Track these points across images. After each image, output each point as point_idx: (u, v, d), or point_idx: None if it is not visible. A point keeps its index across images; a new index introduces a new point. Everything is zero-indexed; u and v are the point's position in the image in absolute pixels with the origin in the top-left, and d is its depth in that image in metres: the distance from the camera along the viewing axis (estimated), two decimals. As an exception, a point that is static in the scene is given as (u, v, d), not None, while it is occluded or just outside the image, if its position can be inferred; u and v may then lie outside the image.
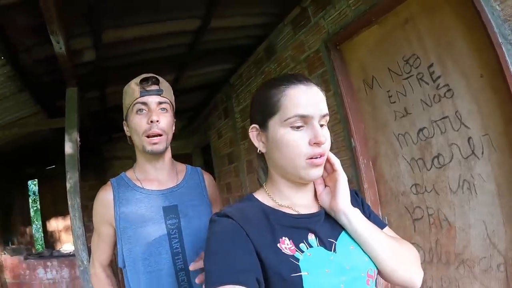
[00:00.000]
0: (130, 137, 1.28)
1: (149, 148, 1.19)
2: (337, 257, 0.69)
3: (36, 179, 6.37)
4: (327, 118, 0.76)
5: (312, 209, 0.78)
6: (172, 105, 1.29)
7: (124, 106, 1.27)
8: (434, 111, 1.62)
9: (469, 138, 1.48)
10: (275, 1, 2.48)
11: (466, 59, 1.46)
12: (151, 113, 1.18)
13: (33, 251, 4.93)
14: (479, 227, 1.47)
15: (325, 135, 0.72)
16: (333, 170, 0.78)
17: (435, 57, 1.60)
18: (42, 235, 6.44)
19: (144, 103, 1.19)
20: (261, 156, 0.83)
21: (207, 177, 1.40)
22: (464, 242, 1.55)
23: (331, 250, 0.70)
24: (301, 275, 0.63)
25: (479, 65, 1.40)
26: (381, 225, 0.80)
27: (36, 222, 9.07)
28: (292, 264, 0.64)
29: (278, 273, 0.63)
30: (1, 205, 5.01)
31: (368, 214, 0.82)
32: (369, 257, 0.72)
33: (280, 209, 0.75)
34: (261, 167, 0.86)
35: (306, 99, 0.71)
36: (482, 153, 1.43)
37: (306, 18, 2.42)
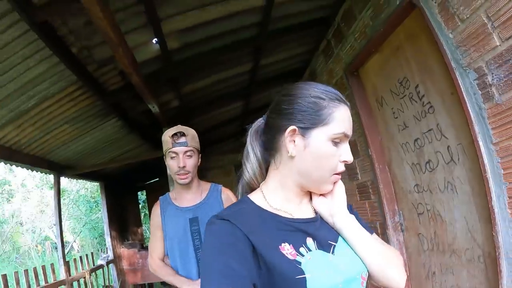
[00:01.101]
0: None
1: (179, 181, 1.50)
2: (335, 259, 0.66)
3: (144, 190, 6.83)
4: None
5: (309, 214, 0.74)
6: (197, 148, 1.53)
7: (163, 149, 1.54)
8: (423, 124, 1.72)
9: (448, 146, 1.55)
10: (310, 33, 2.74)
11: (440, 78, 1.54)
12: (179, 160, 1.45)
13: (144, 245, 5.39)
14: (462, 222, 1.53)
15: None
16: None
17: (419, 79, 1.70)
18: (150, 233, 7.30)
19: (175, 152, 1.46)
20: (263, 155, 0.78)
21: (225, 193, 1.60)
22: (453, 234, 1.61)
23: (329, 252, 0.67)
24: (305, 277, 0.59)
25: (449, 84, 1.46)
26: (369, 230, 0.77)
27: (145, 224, 9.95)
28: (295, 268, 0.60)
29: (283, 275, 0.59)
30: (119, 211, 5.85)
31: (358, 220, 0.78)
32: (362, 261, 0.70)
33: (278, 213, 0.70)
34: (260, 164, 0.78)
35: (349, 121, 0.70)
36: (458, 159, 1.50)
37: (331, 50, 2.63)
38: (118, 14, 1.83)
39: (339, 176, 0.70)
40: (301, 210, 0.73)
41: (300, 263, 0.61)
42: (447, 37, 1.38)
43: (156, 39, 2.18)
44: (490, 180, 1.22)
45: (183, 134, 1.47)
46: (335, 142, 0.67)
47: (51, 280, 3.57)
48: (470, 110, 1.28)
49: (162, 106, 2.98)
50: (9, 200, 10.21)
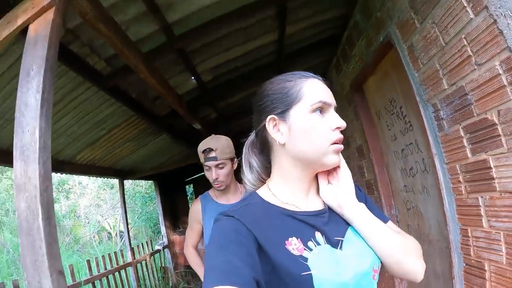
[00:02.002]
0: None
1: (216, 188, 1.61)
2: (344, 254, 0.63)
3: (191, 184, 7.10)
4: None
5: (317, 206, 0.70)
6: (228, 158, 1.56)
7: (200, 159, 1.61)
8: (406, 138, 1.98)
9: (423, 159, 1.82)
10: (324, 51, 3.05)
11: (414, 102, 1.81)
12: (212, 172, 1.54)
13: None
14: (434, 219, 1.80)
15: None
16: (337, 166, 0.70)
17: (402, 101, 1.96)
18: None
19: (208, 166, 1.55)
20: (255, 152, 0.76)
21: None
22: (429, 228, 1.89)
23: (337, 248, 0.63)
24: (310, 273, 0.57)
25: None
26: (384, 218, 0.72)
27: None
28: (301, 264, 0.57)
29: (289, 272, 0.57)
30: (171, 203, 6.36)
31: (371, 208, 0.72)
32: (374, 252, 0.65)
33: (285, 207, 0.66)
34: (259, 172, 0.76)
35: (325, 90, 0.67)
36: (429, 170, 1.77)
37: (340, 66, 2.90)
38: (164, 66, 2.39)
39: (340, 146, 0.66)
40: (309, 202, 0.69)
41: (306, 259, 0.58)
42: (414, 75, 1.63)
43: (193, 77, 2.72)
44: (444, 191, 1.50)
45: (211, 150, 1.52)
46: (320, 112, 0.65)
47: (121, 262, 4.32)
48: (429, 136, 1.56)
49: (203, 119, 3.53)
50: (68, 197, 11.02)
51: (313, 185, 0.72)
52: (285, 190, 0.68)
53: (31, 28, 1.19)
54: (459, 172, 1.41)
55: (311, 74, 0.69)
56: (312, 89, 0.66)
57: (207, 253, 0.57)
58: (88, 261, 3.71)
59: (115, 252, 4.34)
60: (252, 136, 0.77)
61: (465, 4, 1.18)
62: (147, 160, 4.62)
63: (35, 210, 1.04)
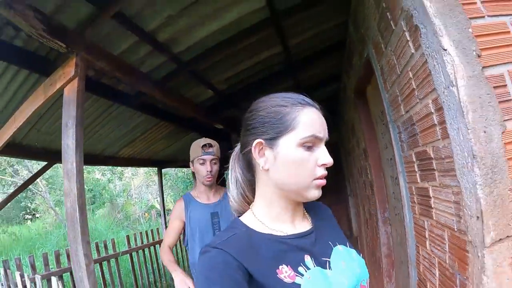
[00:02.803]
0: (193, 172, 1.81)
1: (205, 183, 1.74)
2: (334, 274, 0.62)
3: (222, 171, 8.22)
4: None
5: (304, 227, 0.69)
6: (219, 157, 1.75)
7: (191, 155, 1.75)
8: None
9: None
10: (331, 57, 3.20)
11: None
12: (207, 166, 1.70)
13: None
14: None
15: None
16: None
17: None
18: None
19: (204, 159, 1.71)
20: (242, 167, 0.73)
21: None
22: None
23: (326, 268, 0.63)
24: None
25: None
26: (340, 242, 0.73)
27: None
28: None
29: None
30: None
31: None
32: (361, 268, 0.66)
33: (272, 233, 0.64)
34: (243, 188, 0.73)
35: (320, 122, 0.64)
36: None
37: (347, 70, 2.98)
38: (178, 85, 2.75)
39: (323, 181, 0.64)
40: (295, 225, 0.68)
41: (299, 286, 0.57)
42: (385, 95, 1.70)
43: (210, 89, 3.05)
44: (405, 207, 1.61)
45: (210, 145, 1.73)
46: (308, 147, 0.62)
47: (156, 238, 4.93)
48: (395, 154, 1.66)
49: (224, 119, 3.89)
50: (121, 178, 12.44)
51: (299, 208, 0.70)
52: (270, 215, 0.67)
53: (65, 91, 1.62)
54: (414, 193, 1.49)
55: (308, 101, 0.66)
56: (306, 121, 0.63)
57: (196, 286, 0.56)
58: (127, 236, 4.39)
59: (151, 230, 5.01)
60: (237, 149, 0.74)
61: (408, 38, 1.22)
62: (180, 152, 5.18)
63: (75, 207, 1.56)
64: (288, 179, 0.63)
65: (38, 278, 1.96)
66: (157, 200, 10.93)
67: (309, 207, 0.77)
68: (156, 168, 5.60)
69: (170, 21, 1.91)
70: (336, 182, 5.47)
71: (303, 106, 0.64)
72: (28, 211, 11.26)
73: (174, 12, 1.85)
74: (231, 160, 0.75)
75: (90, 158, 3.67)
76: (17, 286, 2.10)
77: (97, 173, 11.81)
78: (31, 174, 4.82)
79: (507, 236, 0.88)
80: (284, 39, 2.55)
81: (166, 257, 1.71)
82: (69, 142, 1.61)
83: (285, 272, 0.59)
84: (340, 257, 0.67)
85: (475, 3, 0.99)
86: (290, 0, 2.11)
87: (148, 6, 1.73)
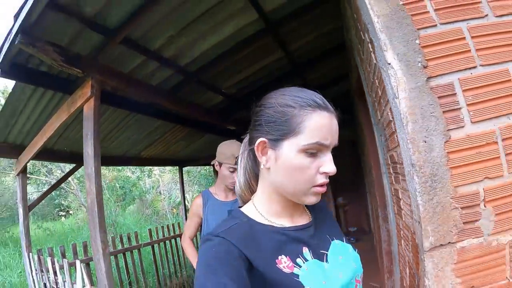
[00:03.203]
0: (216, 170, 1.82)
1: (230, 187, 1.77)
2: (330, 268, 0.63)
3: None
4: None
5: (303, 221, 0.69)
6: None
7: (221, 158, 1.74)
8: None
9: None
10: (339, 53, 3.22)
11: None
12: (235, 174, 1.70)
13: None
14: None
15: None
16: None
17: None
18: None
19: (235, 168, 1.70)
20: (251, 156, 0.72)
21: None
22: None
23: (323, 261, 0.63)
24: None
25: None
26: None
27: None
28: (294, 281, 0.57)
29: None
30: None
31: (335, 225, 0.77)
32: (355, 263, 0.67)
33: (272, 225, 0.64)
34: (250, 177, 0.73)
35: (328, 128, 0.61)
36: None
37: (350, 70, 3.05)
38: (188, 93, 2.97)
39: (322, 189, 0.62)
40: (295, 218, 0.68)
41: (298, 276, 0.57)
42: (369, 99, 1.77)
43: (220, 95, 3.26)
44: (389, 206, 1.69)
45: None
46: (311, 153, 0.60)
47: (177, 232, 5.09)
48: (379, 155, 1.78)
49: (235, 122, 4.08)
50: (150, 176, 12.95)
51: (298, 205, 0.69)
52: (269, 210, 0.66)
53: (84, 108, 1.89)
54: (393, 193, 1.57)
55: (320, 102, 0.61)
56: (312, 127, 0.59)
57: (196, 274, 0.55)
58: (150, 230, 4.67)
59: (172, 224, 5.27)
60: (247, 138, 0.72)
61: (371, 49, 1.25)
62: (200, 152, 5.47)
63: (94, 203, 1.84)
64: (286, 182, 0.62)
65: (65, 262, 2.28)
66: (185, 196, 11.40)
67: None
68: (177, 167, 5.93)
69: (173, 39, 2.11)
70: (356, 179, 5.51)
71: (312, 110, 0.60)
72: (62, 208, 12.11)
73: (175, 31, 2.05)
74: (242, 147, 0.74)
75: (115, 159, 4.03)
76: (48, 271, 2.44)
77: (127, 171, 12.51)
78: (64, 174, 5.29)
79: (449, 243, 0.91)
80: (284, 45, 2.67)
81: (189, 249, 1.83)
82: (88, 150, 1.88)
83: (284, 263, 0.59)
84: (337, 251, 0.67)
85: (426, 12, 1.01)
86: (282, 10, 2.22)
87: (151, 29, 1.94)
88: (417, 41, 0.99)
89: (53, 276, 2.39)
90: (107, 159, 3.79)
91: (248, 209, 0.68)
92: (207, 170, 11.40)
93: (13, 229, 8.77)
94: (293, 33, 2.55)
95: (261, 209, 0.67)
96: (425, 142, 0.94)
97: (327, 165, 0.61)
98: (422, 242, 0.92)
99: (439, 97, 0.96)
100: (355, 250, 0.72)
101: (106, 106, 2.56)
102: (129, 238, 4.06)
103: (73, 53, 1.73)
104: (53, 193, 9.95)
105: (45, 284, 2.52)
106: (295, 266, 0.59)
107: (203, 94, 3.12)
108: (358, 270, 0.67)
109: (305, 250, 0.63)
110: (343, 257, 0.67)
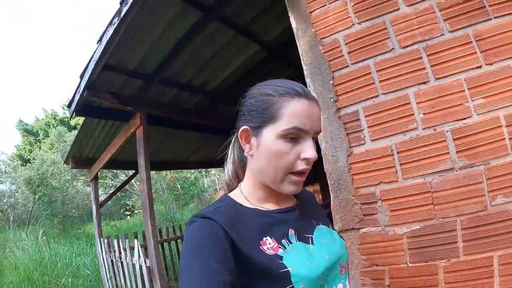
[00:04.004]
0: None
1: None
2: (316, 250, 0.63)
3: None
4: (318, 135, 0.65)
5: (288, 204, 0.70)
6: None
7: None
8: None
9: None
10: None
11: None
12: None
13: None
14: None
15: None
16: None
17: None
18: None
19: None
20: (239, 155, 0.73)
21: None
22: None
23: (309, 243, 0.64)
24: (288, 270, 0.56)
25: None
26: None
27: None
28: (277, 263, 0.57)
29: (267, 271, 0.56)
30: None
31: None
32: (341, 249, 0.67)
33: (257, 208, 0.65)
34: (237, 166, 0.73)
35: (307, 114, 0.60)
36: None
37: None
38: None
39: (299, 179, 0.61)
40: (280, 202, 0.69)
41: (281, 257, 0.57)
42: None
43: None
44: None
45: None
46: (291, 139, 0.59)
47: None
48: None
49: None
50: (207, 176, 13.98)
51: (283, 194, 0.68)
52: (256, 193, 0.67)
53: (136, 133, 2.58)
54: None
55: (300, 91, 0.62)
56: (290, 112, 0.60)
57: (182, 256, 0.53)
58: None
59: None
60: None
61: None
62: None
63: (146, 199, 2.54)
64: (266, 168, 0.62)
65: (127, 243, 3.04)
66: None
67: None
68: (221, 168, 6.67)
69: (198, 73, 2.73)
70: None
71: (291, 97, 0.61)
72: (128, 208, 13.66)
73: (199, 67, 2.66)
74: (232, 139, 0.75)
75: (166, 164, 4.85)
76: (115, 251, 3.26)
77: (187, 173, 13.77)
78: (127, 177, 6.33)
79: (353, 228, 1.17)
80: (294, 62, 3.08)
81: None
82: (141, 162, 2.58)
83: (268, 244, 0.59)
84: (322, 235, 0.67)
85: (341, 56, 1.28)
86: (281, 36, 2.62)
87: (180, 68, 2.57)
88: (331, 82, 1.31)
89: (118, 254, 3.18)
90: (159, 164, 4.60)
91: (234, 194, 0.68)
92: None
93: (84, 226, 10.37)
94: (260, 31, 2.61)
95: (247, 195, 0.67)
96: (333, 156, 1.31)
97: (307, 150, 0.60)
98: (334, 226, 1.25)
99: (344, 123, 1.27)
100: (342, 238, 0.72)
101: (154, 127, 3.30)
102: (174, 229, 4.79)
103: (124, 96, 2.44)
104: (118, 194, 11.50)
105: (112, 261, 3.34)
106: (280, 247, 0.59)
107: (231, 109, 3.71)
108: (343, 256, 0.67)
109: (291, 232, 0.63)
110: (328, 241, 0.67)
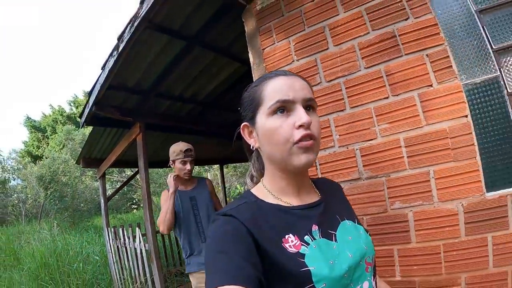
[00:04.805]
0: (171, 166, 2.15)
1: (185, 177, 2.10)
2: (340, 247, 0.61)
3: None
4: (314, 105, 0.64)
5: (312, 198, 0.68)
6: (194, 158, 2.13)
7: (173, 157, 2.09)
8: None
9: None
10: None
11: None
12: (187, 165, 2.08)
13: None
14: None
15: (311, 117, 0.61)
16: None
17: None
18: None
19: (186, 160, 2.08)
20: (256, 153, 0.74)
21: (208, 181, 2.28)
22: None
23: (333, 240, 0.62)
24: (309, 269, 0.55)
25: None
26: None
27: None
28: (298, 261, 0.56)
29: (287, 269, 0.55)
30: None
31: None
32: (366, 245, 0.65)
33: (280, 204, 0.64)
34: (254, 165, 0.75)
35: (287, 86, 0.62)
36: None
37: None
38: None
39: (305, 142, 0.59)
40: (302, 196, 0.67)
41: (304, 256, 0.57)
42: None
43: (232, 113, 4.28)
44: None
45: (191, 150, 2.13)
46: (281, 112, 0.61)
47: None
48: None
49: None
50: (209, 171, 14.33)
51: (303, 182, 0.69)
52: (276, 187, 0.66)
53: (137, 139, 3.05)
54: None
55: (278, 72, 0.65)
56: (271, 90, 0.62)
57: (207, 253, 0.54)
58: None
59: None
60: None
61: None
62: (236, 153, 6.58)
63: (145, 194, 3.02)
64: (271, 150, 0.63)
65: (130, 232, 3.55)
66: (243, 187, 12.69)
67: (318, 183, 0.75)
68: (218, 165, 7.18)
69: (187, 87, 3.20)
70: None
71: (270, 78, 0.64)
72: (134, 201, 14.31)
73: (187, 83, 3.12)
74: (252, 156, 0.77)
75: (164, 163, 5.26)
76: (120, 239, 3.78)
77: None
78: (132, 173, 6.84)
79: None
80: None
81: (163, 209, 2.04)
82: (141, 164, 3.07)
83: (290, 242, 0.58)
84: (346, 232, 0.65)
85: None
86: None
87: (172, 84, 3.03)
88: None
89: (123, 241, 3.71)
90: (159, 163, 5.08)
91: (256, 190, 0.68)
92: (242, 166, 12.75)
93: (92, 219, 11.02)
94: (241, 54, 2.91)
95: (269, 187, 0.67)
96: None
97: (298, 117, 0.60)
98: None
99: None
100: (367, 233, 0.69)
101: (153, 133, 3.78)
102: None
103: (125, 109, 2.92)
104: (125, 188, 12.10)
105: (117, 247, 3.86)
106: (302, 245, 0.58)
107: (222, 114, 4.18)
108: (369, 252, 0.64)
109: (315, 228, 0.62)
110: (353, 237, 0.65)
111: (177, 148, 2.12)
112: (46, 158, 12.18)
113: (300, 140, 0.60)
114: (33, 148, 20.95)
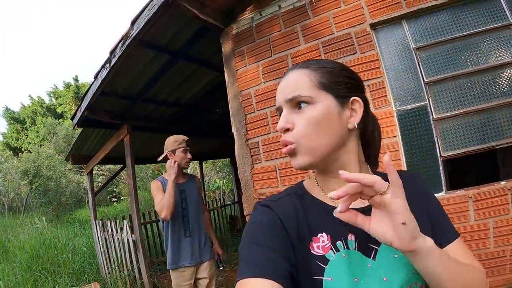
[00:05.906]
0: (170, 158, 2.23)
1: (186, 166, 2.25)
2: (376, 266, 0.53)
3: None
4: (304, 99, 0.56)
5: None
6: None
7: (173, 147, 2.19)
8: None
9: None
10: None
11: None
12: (188, 154, 2.23)
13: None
14: None
15: (288, 120, 0.57)
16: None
17: None
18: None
19: (186, 150, 2.22)
20: None
21: (197, 179, 2.42)
22: None
23: (370, 257, 0.54)
24: (322, 279, 0.51)
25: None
26: (451, 235, 0.59)
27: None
28: (317, 266, 0.52)
29: (303, 271, 0.52)
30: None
31: (436, 219, 0.59)
32: (412, 270, 0.53)
33: (325, 201, 0.59)
34: None
35: (279, 90, 0.60)
36: None
37: None
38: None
39: (283, 150, 0.58)
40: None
41: (327, 261, 0.53)
42: None
43: (214, 114, 4.61)
44: None
45: (189, 141, 2.29)
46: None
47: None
48: None
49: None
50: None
51: (328, 176, 0.62)
52: (323, 183, 0.62)
53: (124, 140, 3.39)
54: None
55: (287, 71, 0.61)
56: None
57: (242, 239, 0.56)
58: None
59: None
60: None
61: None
62: (217, 151, 6.91)
63: (131, 188, 3.37)
64: None
65: (118, 224, 3.87)
66: (222, 182, 13.06)
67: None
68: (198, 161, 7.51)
69: (170, 93, 3.52)
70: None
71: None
72: (114, 195, 14.39)
73: (171, 90, 3.44)
74: None
75: (149, 159, 5.61)
76: (108, 230, 4.08)
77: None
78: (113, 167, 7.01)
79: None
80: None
81: (163, 195, 2.13)
82: (128, 162, 3.39)
83: (321, 242, 0.55)
84: (392, 250, 0.54)
85: (251, 104, 2.11)
86: None
87: (157, 90, 3.36)
88: (244, 121, 2.16)
89: (111, 232, 4.02)
90: (144, 159, 5.36)
91: (307, 182, 0.65)
92: (221, 162, 13.24)
93: (75, 212, 11.17)
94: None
95: (318, 179, 0.63)
96: (243, 169, 2.16)
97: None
98: (244, 211, 2.16)
99: (250, 149, 2.13)
100: None
101: (141, 133, 4.07)
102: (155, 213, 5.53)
103: (115, 112, 3.23)
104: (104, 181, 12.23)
105: (105, 238, 4.18)
106: (331, 248, 0.54)
107: (204, 115, 4.51)
108: (414, 278, 0.53)
109: (351, 237, 0.55)
110: (400, 256, 0.54)
111: (179, 138, 2.24)
112: (26, 150, 12.06)
113: (282, 144, 0.58)
114: (12, 140, 20.49)
